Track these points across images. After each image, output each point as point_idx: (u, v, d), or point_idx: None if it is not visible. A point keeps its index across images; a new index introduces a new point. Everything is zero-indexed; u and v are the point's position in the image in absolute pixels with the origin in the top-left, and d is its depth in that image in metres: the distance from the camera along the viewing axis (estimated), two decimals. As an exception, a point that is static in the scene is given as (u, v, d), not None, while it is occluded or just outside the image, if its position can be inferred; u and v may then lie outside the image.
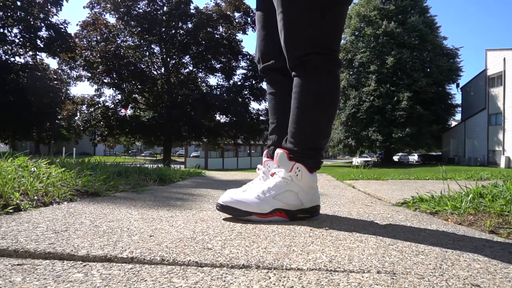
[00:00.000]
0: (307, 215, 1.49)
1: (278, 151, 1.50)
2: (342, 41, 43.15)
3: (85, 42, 28.25)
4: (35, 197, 1.64)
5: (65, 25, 27.78)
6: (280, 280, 0.78)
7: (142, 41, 29.63)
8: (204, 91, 30.65)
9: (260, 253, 0.97)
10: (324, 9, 1.43)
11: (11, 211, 1.39)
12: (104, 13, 28.90)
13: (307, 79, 1.49)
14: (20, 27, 26.17)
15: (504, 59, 31.67)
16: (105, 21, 28.58)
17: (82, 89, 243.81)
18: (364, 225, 1.43)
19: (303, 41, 1.46)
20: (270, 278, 0.80)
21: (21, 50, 27.80)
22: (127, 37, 30.04)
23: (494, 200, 1.81)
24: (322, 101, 1.49)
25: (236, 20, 30.50)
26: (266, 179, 1.60)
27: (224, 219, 1.44)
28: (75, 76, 31.12)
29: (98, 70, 27.33)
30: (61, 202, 1.73)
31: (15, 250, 0.92)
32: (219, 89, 31.21)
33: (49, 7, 27.06)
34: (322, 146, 1.54)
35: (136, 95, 30.62)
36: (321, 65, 1.47)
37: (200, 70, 31.59)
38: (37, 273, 0.78)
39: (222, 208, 1.43)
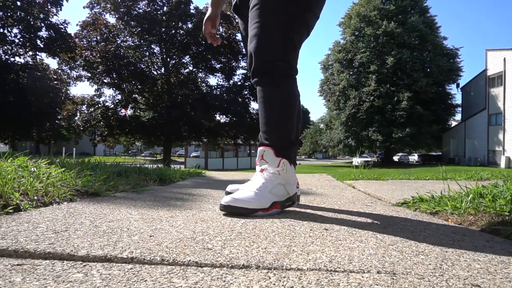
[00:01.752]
0: (291, 202, 1.71)
1: (264, 149, 1.69)
2: (343, 41, 43.22)
3: (85, 42, 28.27)
4: (35, 197, 1.64)
5: (65, 25, 27.82)
6: (280, 280, 0.78)
7: (142, 41, 29.64)
8: (204, 91, 30.66)
9: (260, 253, 0.97)
10: (293, 24, 1.68)
11: (11, 211, 1.39)
12: (104, 13, 28.92)
13: (277, 83, 1.70)
14: (20, 27, 26.19)
15: (504, 59, 31.67)
16: (105, 21, 28.58)
17: (82, 89, 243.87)
18: (364, 225, 1.43)
19: (274, 48, 1.67)
20: (270, 278, 0.80)
21: (21, 50, 27.83)
22: (127, 37, 30.05)
23: (494, 200, 1.81)
24: (292, 101, 1.72)
25: (236, 20, 30.53)
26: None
27: (224, 220, 1.44)
28: (75, 76, 31.14)
29: (98, 70, 27.34)
30: (61, 202, 1.73)
31: (15, 250, 0.91)
32: (219, 89, 31.22)
33: (49, 7, 27.08)
34: (297, 140, 1.79)
35: (136, 95, 30.63)
36: (286, 71, 1.70)
37: (200, 70, 31.60)
38: (37, 273, 0.78)
39: (227, 208, 1.53)
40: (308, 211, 1.75)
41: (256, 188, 1.59)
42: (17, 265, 0.83)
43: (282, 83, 1.70)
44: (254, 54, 1.68)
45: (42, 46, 27.45)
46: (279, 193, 1.63)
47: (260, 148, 1.71)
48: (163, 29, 29.12)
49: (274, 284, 0.76)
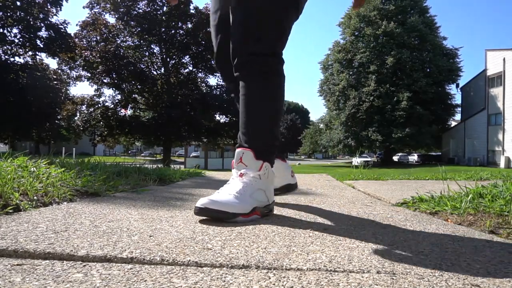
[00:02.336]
0: (269, 211, 1.56)
1: (243, 150, 1.53)
2: (342, 41, 43.23)
3: (84, 42, 28.26)
4: (35, 197, 1.64)
5: (65, 25, 27.81)
6: (280, 280, 0.78)
7: (141, 41, 29.64)
8: (204, 91, 30.66)
9: (260, 253, 0.97)
10: (283, 8, 1.53)
11: (10, 211, 1.39)
12: (104, 13, 28.91)
13: (264, 79, 1.57)
14: (20, 27, 26.19)
15: (504, 59, 31.68)
16: (104, 21, 28.59)
17: (81, 89, 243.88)
18: (364, 225, 1.43)
19: (263, 39, 1.52)
20: (270, 278, 0.80)
21: (21, 50, 27.83)
22: (127, 37, 30.05)
23: (494, 200, 1.81)
24: (278, 101, 1.61)
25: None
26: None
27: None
28: (74, 76, 31.14)
29: (97, 70, 27.35)
30: (61, 202, 1.73)
31: (15, 250, 0.91)
32: (218, 89, 31.21)
33: (49, 7, 27.07)
34: (278, 143, 1.66)
35: (136, 95, 30.63)
36: (276, 65, 1.58)
37: (200, 70, 31.60)
38: (36, 273, 0.78)
39: (203, 212, 1.37)
40: (308, 211, 1.75)
41: (236, 191, 1.44)
42: (17, 265, 0.83)
43: (270, 80, 1.57)
44: (239, 45, 1.54)
45: (42, 46, 27.45)
46: (260, 199, 1.48)
47: (238, 150, 1.55)
48: (163, 29, 29.12)
49: (274, 284, 0.76)
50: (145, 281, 0.76)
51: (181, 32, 29.96)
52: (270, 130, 1.60)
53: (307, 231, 1.26)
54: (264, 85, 1.57)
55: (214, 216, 1.36)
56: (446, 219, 1.63)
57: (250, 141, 1.56)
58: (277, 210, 1.73)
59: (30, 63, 28.90)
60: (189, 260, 0.89)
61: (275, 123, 1.62)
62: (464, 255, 1.01)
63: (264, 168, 1.52)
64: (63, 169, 2.27)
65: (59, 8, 27.77)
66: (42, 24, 26.99)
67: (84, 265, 0.85)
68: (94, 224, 1.27)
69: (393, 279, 0.80)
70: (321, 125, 49.85)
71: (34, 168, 2.17)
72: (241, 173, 1.51)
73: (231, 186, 1.49)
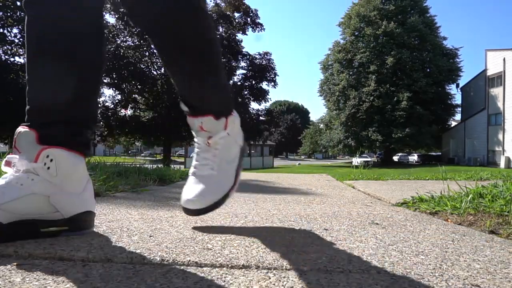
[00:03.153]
0: (64, 227, 1.06)
1: (20, 129, 1.07)
2: (342, 41, 43.24)
3: (84, 42, 28.24)
4: (35, 197, 1.64)
5: (65, 25, 27.81)
6: (280, 280, 0.78)
7: (142, 41, 29.63)
8: (204, 91, 30.66)
9: (260, 253, 0.97)
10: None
11: (10, 211, 1.39)
12: (104, 13, 28.94)
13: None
14: (19, 27, 26.17)
15: (504, 59, 31.69)
16: (105, 21, 28.61)
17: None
18: (364, 225, 1.43)
19: None
20: (270, 278, 0.80)
21: (21, 50, 27.80)
22: (127, 37, 30.04)
23: (494, 200, 1.81)
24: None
25: (236, 20, 30.53)
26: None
27: (223, 220, 1.44)
28: (74, 76, 31.11)
29: (97, 70, 27.34)
30: (61, 202, 1.73)
31: (15, 251, 0.91)
32: (218, 89, 31.21)
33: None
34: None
35: (136, 95, 30.63)
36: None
37: (200, 70, 31.59)
38: (36, 273, 0.78)
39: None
40: (308, 211, 1.75)
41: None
42: (17, 265, 0.83)
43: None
44: None
45: (41, 46, 27.44)
46: (27, 210, 0.99)
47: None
48: (163, 29, 29.13)
49: (274, 284, 0.76)
50: (145, 281, 0.76)
51: (181, 32, 29.96)
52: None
53: (307, 231, 1.26)
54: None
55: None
56: (446, 219, 1.63)
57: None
58: (277, 210, 1.73)
59: (30, 63, 28.87)
60: (189, 260, 0.89)
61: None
62: (464, 255, 1.01)
63: (43, 157, 1.01)
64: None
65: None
66: (42, 24, 26.98)
67: (84, 265, 0.85)
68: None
69: (393, 279, 0.80)
70: (321, 125, 49.90)
71: (34, 168, 2.17)
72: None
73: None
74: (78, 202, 1.09)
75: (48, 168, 1.01)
